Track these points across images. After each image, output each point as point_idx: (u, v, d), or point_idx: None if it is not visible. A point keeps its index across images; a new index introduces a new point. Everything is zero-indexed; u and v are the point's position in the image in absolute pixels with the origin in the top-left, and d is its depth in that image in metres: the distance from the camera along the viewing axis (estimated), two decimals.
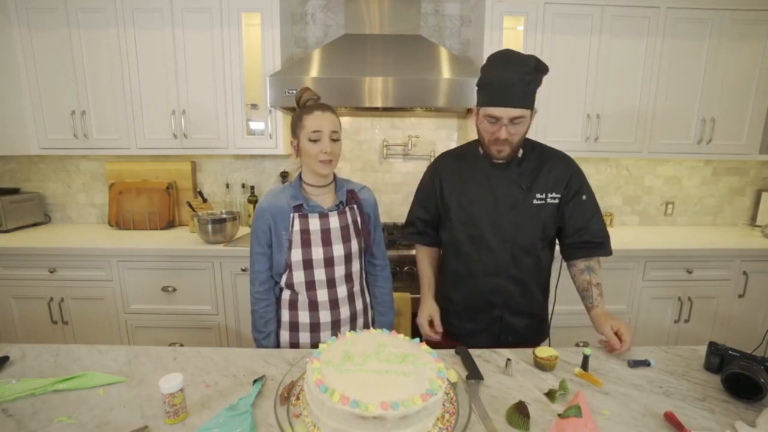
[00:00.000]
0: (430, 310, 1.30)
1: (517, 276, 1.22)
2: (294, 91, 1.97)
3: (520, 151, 1.20)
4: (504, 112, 1.06)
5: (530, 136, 2.29)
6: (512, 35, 2.24)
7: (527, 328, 1.28)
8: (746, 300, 2.21)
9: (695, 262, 2.15)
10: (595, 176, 2.65)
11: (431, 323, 1.29)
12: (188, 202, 2.36)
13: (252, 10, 2.14)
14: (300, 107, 1.18)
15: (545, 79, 2.32)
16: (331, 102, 2.02)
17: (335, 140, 1.15)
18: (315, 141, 1.13)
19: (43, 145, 2.30)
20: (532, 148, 1.23)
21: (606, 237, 1.22)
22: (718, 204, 2.72)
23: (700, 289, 2.18)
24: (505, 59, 1.08)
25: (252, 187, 2.58)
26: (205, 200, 2.48)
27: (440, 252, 1.39)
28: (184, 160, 2.57)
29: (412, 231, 1.40)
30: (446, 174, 1.29)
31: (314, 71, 2.02)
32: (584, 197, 1.20)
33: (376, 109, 2.18)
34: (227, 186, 2.61)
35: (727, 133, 2.31)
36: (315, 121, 1.12)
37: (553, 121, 2.26)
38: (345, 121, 2.57)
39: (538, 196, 1.18)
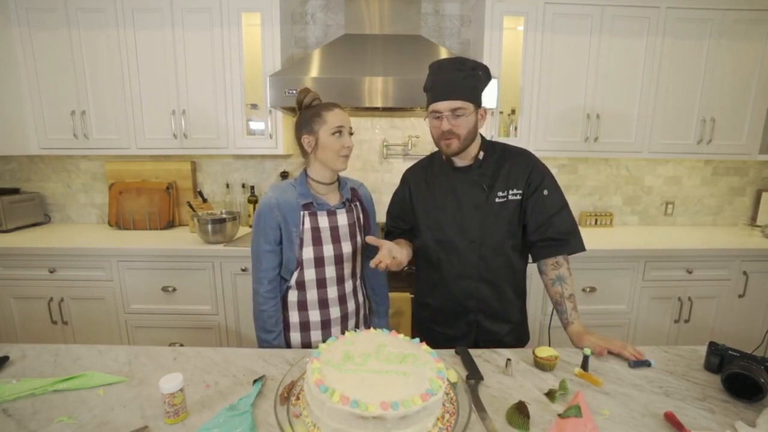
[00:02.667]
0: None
1: (489, 278, 1.23)
2: (294, 91, 1.97)
3: (481, 153, 1.22)
4: (443, 105, 1.12)
5: (529, 134, 2.30)
6: (512, 35, 2.24)
7: (507, 334, 1.27)
8: (746, 300, 2.21)
9: (695, 262, 2.15)
10: (595, 176, 2.65)
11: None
12: (188, 202, 2.36)
13: (252, 10, 2.14)
14: (303, 108, 1.20)
15: (545, 78, 2.33)
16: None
17: (351, 135, 1.21)
18: (338, 136, 1.16)
19: (43, 145, 2.30)
20: (492, 149, 1.24)
21: (572, 234, 1.19)
22: (718, 204, 2.72)
23: (700, 289, 2.18)
24: (440, 62, 1.16)
25: (252, 187, 2.58)
26: (205, 200, 2.48)
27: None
28: (184, 160, 2.57)
29: (392, 238, 1.37)
30: (414, 183, 1.32)
31: (314, 71, 2.02)
32: (546, 192, 1.19)
33: (376, 109, 2.18)
34: (227, 186, 2.61)
35: (727, 133, 2.31)
36: (337, 117, 1.17)
37: (553, 121, 2.26)
38: None
39: (500, 194, 1.20)
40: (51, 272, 2.08)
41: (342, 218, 1.24)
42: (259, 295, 1.22)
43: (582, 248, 1.20)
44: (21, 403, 0.87)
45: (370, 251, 1.33)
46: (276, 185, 1.23)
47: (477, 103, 1.15)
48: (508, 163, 1.22)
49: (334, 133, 1.16)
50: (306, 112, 1.19)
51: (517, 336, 1.31)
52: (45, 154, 2.43)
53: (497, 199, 1.20)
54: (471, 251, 1.21)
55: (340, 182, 1.29)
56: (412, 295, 1.97)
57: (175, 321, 2.13)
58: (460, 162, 1.23)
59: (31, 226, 2.53)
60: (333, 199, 1.25)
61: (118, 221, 2.48)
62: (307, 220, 1.19)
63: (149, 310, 2.12)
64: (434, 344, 1.27)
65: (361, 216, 1.30)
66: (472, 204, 1.21)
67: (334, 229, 1.22)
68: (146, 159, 2.56)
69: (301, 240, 1.19)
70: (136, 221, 2.47)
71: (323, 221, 1.21)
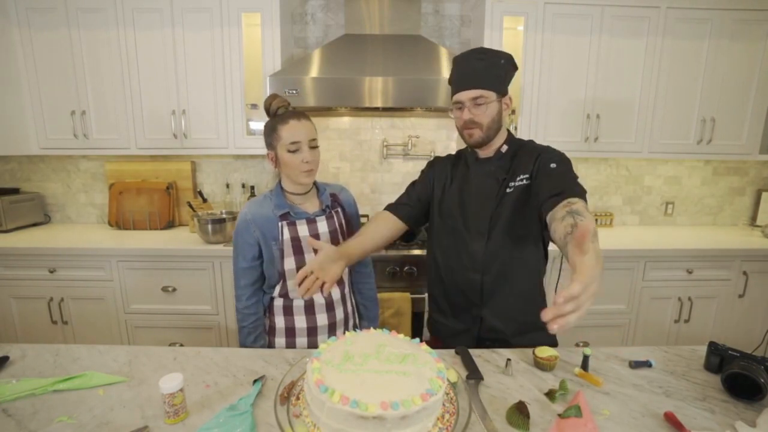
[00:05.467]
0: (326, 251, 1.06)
1: (495, 271, 1.18)
2: (296, 91, 1.97)
3: (504, 147, 1.20)
4: (464, 95, 1.12)
5: (529, 134, 2.31)
6: (512, 35, 2.24)
7: (513, 335, 1.20)
8: (746, 300, 2.21)
9: (695, 262, 2.15)
10: (595, 176, 2.65)
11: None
12: (188, 202, 2.36)
13: (252, 10, 2.14)
14: (271, 116, 1.16)
15: (545, 78, 2.32)
16: (331, 102, 2.04)
17: (314, 147, 1.14)
18: (294, 152, 1.11)
19: (43, 145, 2.30)
20: (516, 144, 1.23)
21: (582, 191, 1.03)
22: (718, 204, 2.72)
23: (700, 289, 2.18)
24: (465, 54, 1.16)
25: (252, 187, 2.58)
26: (205, 200, 2.48)
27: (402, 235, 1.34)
28: (184, 160, 2.57)
29: (392, 205, 1.32)
30: (438, 170, 1.32)
31: (314, 71, 2.02)
32: (553, 165, 1.09)
33: (376, 109, 2.18)
34: (227, 186, 2.61)
35: (727, 133, 2.31)
36: (292, 131, 1.11)
37: (553, 121, 2.27)
38: (345, 121, 2.57)
39: (511, 184, 1.17)
40: (51, 272, 2.08)
41: (322, 226, 1.21)
42: (239, 312, 1.22)
43: (584, 198, 1.01)
44: (21, 403, 0.86)
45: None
46: (253, 200, 1.21)
47: (500, 91, 1.13)
48: (521, 153, 1.19)
49: (291, 150, 1.11)
50: (268, 124, 1.15)
51: (529, 340, 1.16)
52: (45, 154, 2.42)
53: (508, 190, 1.16)
54: (479, 243, 1.18)
55: (318, 189, 1.25)
56: (413, 295, 1.97)
57: (175, 321, 2.13)
58: (483, 154, 1.21)
59: (31, 226, 2.53)
60: (311, 207, 1.22)
61: (118, 221, 2.48)
62: (285, 230, 1.16)
63: (149, 310, 2.12)
64: (441, 337, 1.25)
65: (344, 222, 1.26)
66: (484, 195, 1.19)
67: (315, 238, 1.18)
68: (146, 159, 2.56)
69: (282, 251, 1.16)
70: (136, 221, 2.47)
71: (302, 230, 1.18)
